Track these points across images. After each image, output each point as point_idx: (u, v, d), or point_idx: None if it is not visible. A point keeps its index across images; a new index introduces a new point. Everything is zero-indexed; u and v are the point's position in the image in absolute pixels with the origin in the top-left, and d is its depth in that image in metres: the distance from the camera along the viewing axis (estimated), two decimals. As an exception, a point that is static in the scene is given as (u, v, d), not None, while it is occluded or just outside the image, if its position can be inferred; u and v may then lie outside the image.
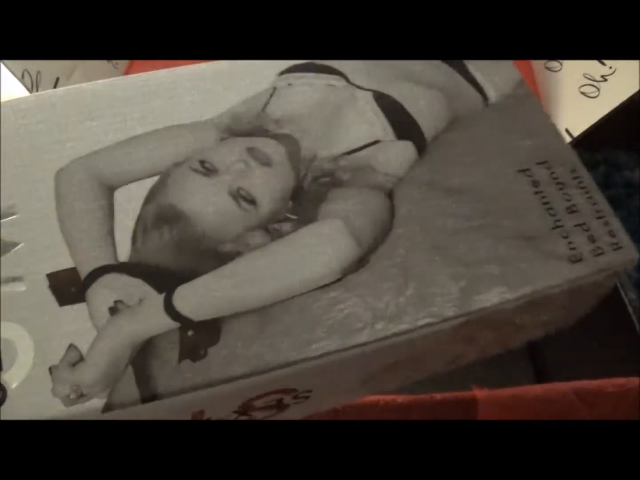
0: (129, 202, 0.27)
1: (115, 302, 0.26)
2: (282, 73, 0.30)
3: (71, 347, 0.26)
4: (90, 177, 0.28)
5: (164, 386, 0.24)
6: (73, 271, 0.27)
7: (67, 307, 0.26)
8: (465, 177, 0.28)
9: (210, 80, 0.29)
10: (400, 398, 0.33)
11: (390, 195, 0.28)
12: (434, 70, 0.30)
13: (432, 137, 0.29)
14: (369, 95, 0.30)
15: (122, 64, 0.56)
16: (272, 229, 0.27)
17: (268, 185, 0.28)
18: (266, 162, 0.28)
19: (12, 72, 0.44)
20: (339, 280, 0.26)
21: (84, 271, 0.26)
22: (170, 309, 0.25)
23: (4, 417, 0.25)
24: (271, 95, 0.30)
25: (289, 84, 0.30)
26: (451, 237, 0.27)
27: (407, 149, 0.29)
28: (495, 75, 0.30)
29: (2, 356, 0.25)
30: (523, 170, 0.28)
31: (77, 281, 0.27)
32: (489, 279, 0.26)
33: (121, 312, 0.25)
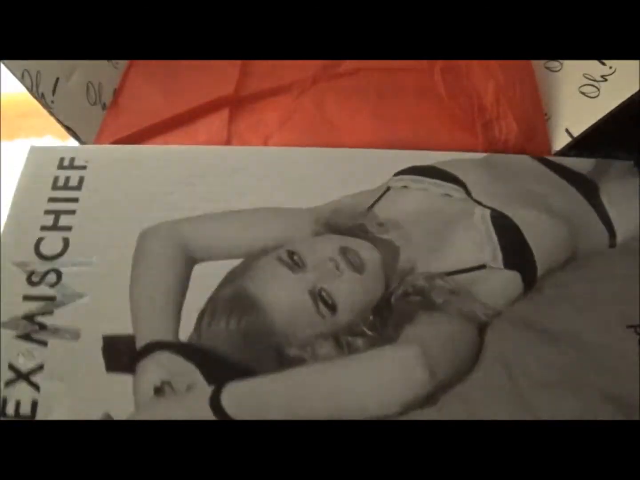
0: (205, 278, 0.27)
1: (163, 382, 0.25)
2: (398, 173, 0.29)
3: (105, 416, 0.25)
4: (175, 245, 0.27)
5: None
6: (129, 339, 0.26)
7: (112, 375, 0.26)
8: (569, 324, 0.25)
9: (326, 164, 0.28)
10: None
11: (482, 329, 0.25)
12: (563, 195, 0.28)
13: (544, 272, 0.27)
14: (487, 213, 0.27)
15: (122, 64, 0.56)
16: (344, 341, 0.25)
17: (353, 294, 0.26)
18: (358, 268, 0.26)
19: (12, 72, 0.44)
20: (400, 413, 0.24)
21: (140, 340, 0.26)
22: (215, 403, 0.25)
23: None
24: (382, 195, 0.28)
25: (405, 186, 0.28)
26: (535, 389, 0.25)
27: (514, 281, 0.26)
28: (629, 212, 0.27)
29: (39, 408, 0.25)
30: (634, 327, 0.25)
31: (131, 350, 0.26)
32: None
33: (166, 396, 0.25)
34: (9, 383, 0.26)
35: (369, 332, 0.25)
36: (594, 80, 0.50)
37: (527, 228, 0.27)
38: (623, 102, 0.48)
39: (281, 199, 0.27)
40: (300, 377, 0.24)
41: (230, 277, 0.26)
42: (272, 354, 0.25)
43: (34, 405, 0.26)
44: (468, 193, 0.28)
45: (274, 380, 0.25)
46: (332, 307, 0.25)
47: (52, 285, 0.27)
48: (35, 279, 0.27)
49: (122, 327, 0.26)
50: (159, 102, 0.55)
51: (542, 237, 0.26)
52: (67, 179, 0.27)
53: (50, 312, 0.27)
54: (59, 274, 0.27)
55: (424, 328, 0.25)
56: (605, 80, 0.50)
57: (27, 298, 0.27)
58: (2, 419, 0.26)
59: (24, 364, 0.26)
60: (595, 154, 0.73)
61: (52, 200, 0.28)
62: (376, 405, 0.24)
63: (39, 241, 0.28)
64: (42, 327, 0.27)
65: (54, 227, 0.27)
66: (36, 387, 0.26)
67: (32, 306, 0.27)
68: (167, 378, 0.25)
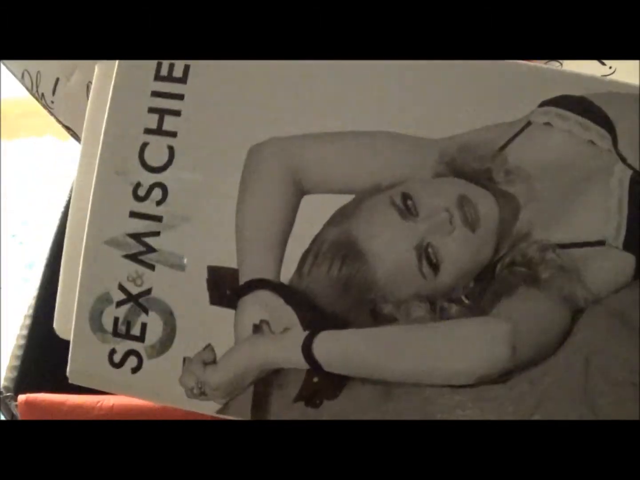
0: (312, 214, 0.25)
1: (262, 321, 0.25)
2: (544, 104, 0.24)
3: (209, 347, 0.25)
4: (286, 169, 0.25)
5: (274, 416, 0.25)
6: (234, 273, 0.25)
7: (216, 308, 0.26)
8: None
9: (453, 83, 0.24)
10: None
11: (576, 314, 0.23)
12: None
13: None
14: (628, 175, 0.24)
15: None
16: (439, 306, 0.24)
17: (460, 256, 0.24)
18: (472, 224, 0.24)
19: (12, 72, 0.44)
20: (471, 385, 0.23)
21: (244, 276, 0.25)
22: (307, 350, 0.24)
23: (132, 386, 0.26)
24: (520, 132, 0.24)
25: (547, 123, 0.24)
26: (612, 387, 0.23)
27: (627, 265, 0.23)
28: None
29: (148, 332, 0.25)
30: None
31: (235, 285, 0.25)
32: None
33: (264, 334, 0.25)
34: (120, 303, 0.26)
35: (466, 301, 0.24)
36: (594, 80, 0.50)
37: None
38: (623, 102, 0.48)
39: (405, 122, 0.24)
40: (392, 336, 0.24)
41: (339, 217, 0.25)
42: (367, 308, 0.24)
43: (144, 327, 0.25)
44: (615, 142, 0.24)
45: (366, 336, 0.24)
46: (436, 267, 0.24)
47: (159, 203, 0.25)
48: (141, 193, 0.26)
49: (227, 258, 0.25)
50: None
51: None
52: (171, 66, 0.25)
53: (157, 234, 0.25)
54: (164, 190, 0.25)
55: (520, 305, 0.24)
56: (605, 80, 0.50)
57: (133, 215, 0.26)
58: (117, 338, 0.25)
59: (134, 287, 0.26)
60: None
61: (155, 94, 0.25)
62: (452, 373, 0.24)
63: (143, 147, 0.25)
64: (150, 249, 0.25)
65: (159, 130, 0.25)
66: (145, 310, 0.25)
67: (139, 225, 0.25)
68: (266, 317, 0.25)
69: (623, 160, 0.24)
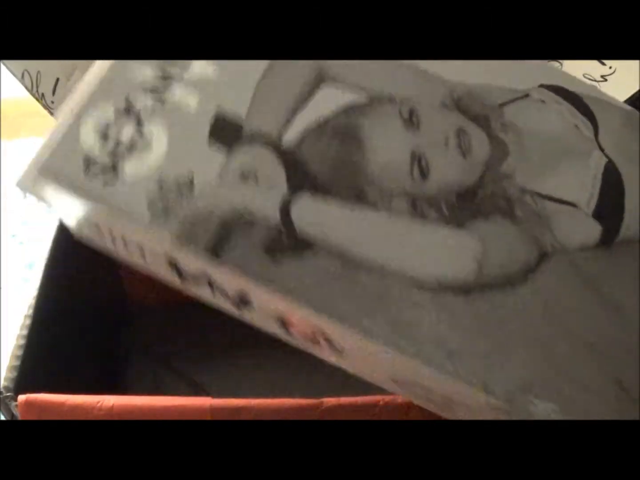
0: (326, 99, 0.26)
1: (251, 172, 0.25)
2: (543, 86, 0.28)
3: (189, 175, 0.25)
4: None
5: (230, 253, 0.24)
6: (240, 121, 0.26)
7: (213, 141, 0.25)
8: (637, 299, 0.25)
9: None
10: (400, 398, 0.33)
11: (542, 256, 0.25)
12: None
13: (626, 239, 0.26)
14: (603, 163, 0.27)
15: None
16: (420, 208, 0.26)
17: (447, 171, 0.26)
18: (464, 152, 0.27)
19: (12, 72, 0.44)
20: (433, 290, 0.25)
21: (248, 126, 0.26)
22: (286, 209, 0.25)
23: (100, 198, 0.25)
24: (518, 99, 0.28)
25: (542, 100, 0.28)
26: (567, 338, 0.24)
27: (593, 232, 0.26)
28: None
29: (134, 146, 0.25)
30: None
31: (238, 131, 0.26)
32: (556, 396, 0.23)
33: (248, 183, 0.25)
34: (120, 114, 0.25)
35: (445, 211, 0.26)
36: (594, 80, 0.50)
37: (631, 190, 0.27)
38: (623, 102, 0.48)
39: (425, 64, 0.27)
40: (370, 217, 0.25)
41: (350, 110, 0.27)
42: (353, 189, 0.26)
43: (133, 142, 0.25)
44: (596, 135, 0.28)
45: (347, 210, 0.25)
46: (424, 174, 0.26)
47: None
48: None
49: (240, 106, 0.26)
50: (159, 102, 0.55)
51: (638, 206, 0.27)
52: None
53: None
54: None
55: (493, 228, 0.26)
56: (605, 80, 0.50)
57: None
58: (102, 147, 0.25)
59: (141, 102, 0.25)
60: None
61: None
62: (419, 274, 0.25)
63: None
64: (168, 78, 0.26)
65: None
66: (141, 125, 0.25)
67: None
68: (256, 170, 0.26)
69: (601, 149, 0.28)
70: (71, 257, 0.47)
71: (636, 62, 0.48)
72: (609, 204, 0.27)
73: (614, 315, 0.25)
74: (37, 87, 0.45)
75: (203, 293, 0.28)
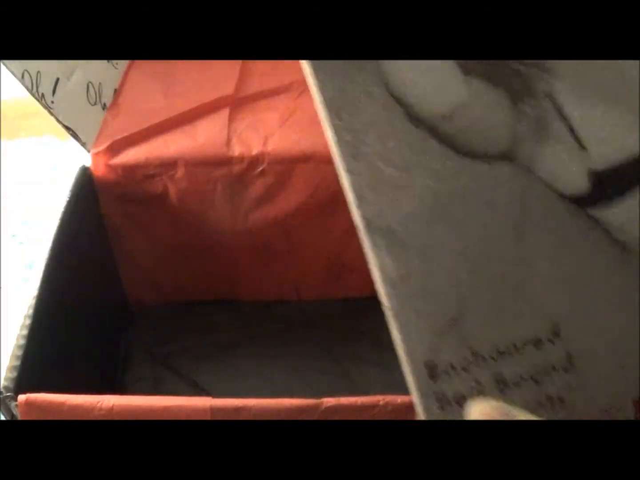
0: None
1: None
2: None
3: None
4: None
5: None
6: None
7: None
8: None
9: None
10: (400, 398, 0.33)
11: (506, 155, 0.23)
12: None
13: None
14: None
15: (122, 64, 0.56)
16: None
17: None
18: None
19: (12, 72, 0.44)
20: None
21: None
22: None
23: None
24: None
25: None
26: (543, 222, 0.23)
27: (579, 183, 0.24)
28: None
29: None
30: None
31: None
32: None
33: None
34: None
35: None
36: (594, 80, 0.50)
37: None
38: (623, 102, 0.48)
39: None
40: None
41: None
42: None
43: None
44: None
45: None
46: None
47: None
48: None
49: None
50: (159, 102, 0.55)
51: None
52: None
53: None
54: None
55: (494, 96, 0.24)
56: (605, 80, 0.50)
57: None
58: None
59: None
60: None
61: None
62: None
63: None
64: None
65: None
66: None
67: None
68: None
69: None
70: (71, 257, 0.47)
71: (636, 62, 0.48)
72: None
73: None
74: (37, 87, 0.45)
75: None
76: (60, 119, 0.46)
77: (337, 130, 0.22)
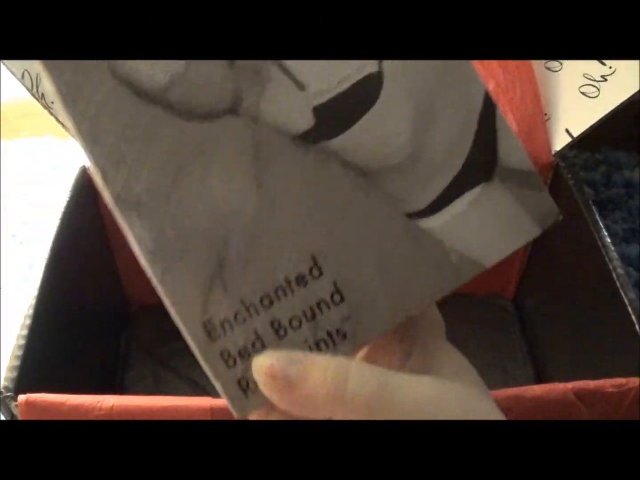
0: None
1: None
2: None
3: None
4: None
5: None
6: None
7: None
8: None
9: None
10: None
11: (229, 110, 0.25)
12: None
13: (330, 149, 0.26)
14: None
15: (122, 64, 0.56)
16: None
17: None
18: None
19: (12, 72, 0.44)
20: None
21: None
22: None
23: None
24: None
25: None
26: None
27: (302, 123, 0.25)
28: None
29: None
30: None
31: None
32: None
33: None
34: None
35: None
36: (594, 80, 0.50)
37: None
38: (623, 102, 0.48)
39: None
40: None
41: None
42: None
43: None
44: None
45: None
46: None
47: None
48: None
49: None
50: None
51: None
52: None
53: None
54: None
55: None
56: (605, 80, 0.50)
57: None
58: None
59: None
60: (596, 154, 0.73)
61: None
62: None
63: None
64: None
65: None
66: None
67: None
68: None
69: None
70: (71, 257, 0.47)
71: (636, 62, 0.48)
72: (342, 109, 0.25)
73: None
74: (37, 87, 0.45)
75: None
76: (60, 119, 0.46)
77: (75, 120, 0.24)
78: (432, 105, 0.26)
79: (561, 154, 0.52)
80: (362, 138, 0.25)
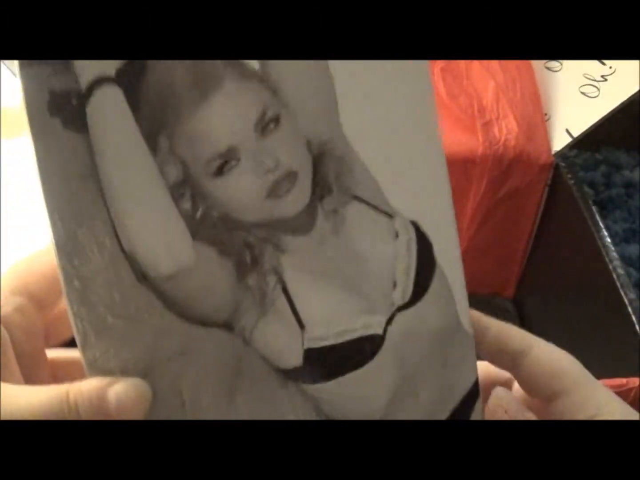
0: None
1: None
2: None
3: None
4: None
5: None
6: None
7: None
8: None
9: None
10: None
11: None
12: None
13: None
14: None
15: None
16: None
17: None
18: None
19: (12, 72, 0.44)
20: None
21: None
22: None
23: None
24: None
25: None
26: None
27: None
28: None
29: None
30: None
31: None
32: None
33: None
34: None
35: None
36: (594, 80, 0.50)
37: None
38: (623, 102, 0.48)
39: None
40: None
41: None
42: None
43: None
44: None
45: None
46: None
47: None
48: None
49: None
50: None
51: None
52: None
53: None
54: None
55: (209, 254, 0.25)
56: (605, 80, 0.50)
57: None
58: None
59: None
60: (596, 154, 0.73)
61: None
62: None
63: None
64: None
65: None
66: None
67: None
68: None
69: None
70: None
71: (636, 62, 0.48)
72: None
73: None
74: (37, 87, 0.44)
75: None
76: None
77: (67, 276, 0.23)
78: (413, 378, 0.26)
79: (561, 154, 0.52)
80: (342, 391, 0.25)
